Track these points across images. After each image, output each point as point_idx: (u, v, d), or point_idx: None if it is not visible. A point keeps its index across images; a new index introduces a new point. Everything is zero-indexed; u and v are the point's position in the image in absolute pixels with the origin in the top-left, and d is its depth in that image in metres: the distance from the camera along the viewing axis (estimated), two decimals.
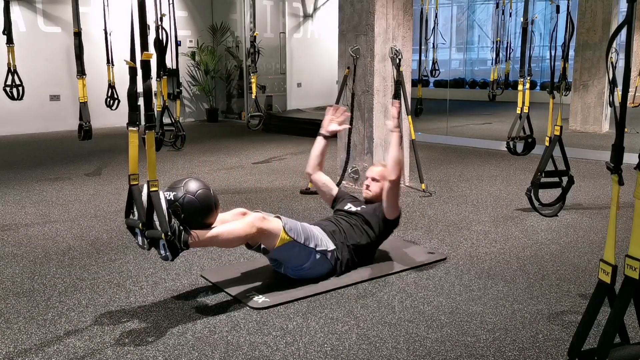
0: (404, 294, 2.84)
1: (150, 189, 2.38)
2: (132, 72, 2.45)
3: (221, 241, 2.67)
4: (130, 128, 2.46)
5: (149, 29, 5.65)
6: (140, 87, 2.43)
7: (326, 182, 3.50)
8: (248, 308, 2.66)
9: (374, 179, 3.34)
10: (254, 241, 2.79)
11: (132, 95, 2.48)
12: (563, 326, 2.50)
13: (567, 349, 1.97)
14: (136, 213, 2.48)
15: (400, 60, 5.01)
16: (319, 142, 3.43)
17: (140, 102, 2.46)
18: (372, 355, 2.26)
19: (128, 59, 2.45)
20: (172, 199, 2.59)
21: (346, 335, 2.41)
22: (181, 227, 2.45)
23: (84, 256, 3.42)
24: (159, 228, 2.38)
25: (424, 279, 3.04)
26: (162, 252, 2.39)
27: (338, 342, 2.36)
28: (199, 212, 2.63)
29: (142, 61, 2.38)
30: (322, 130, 3.41)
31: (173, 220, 2.41)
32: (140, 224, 2.43)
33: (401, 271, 3.13)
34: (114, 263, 3.29)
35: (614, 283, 1.89)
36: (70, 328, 2.48)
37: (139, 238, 2.48)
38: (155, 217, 2.39)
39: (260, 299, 2.73)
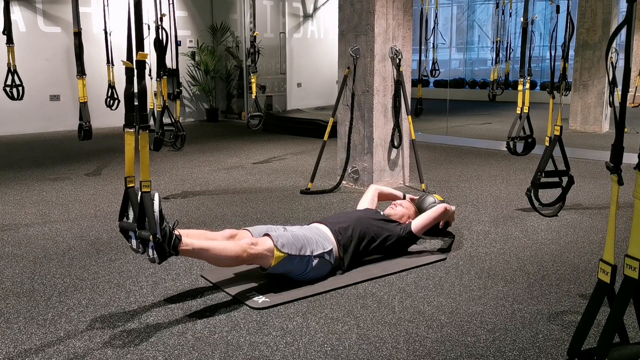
0: (404, 294, 2.84)
1: (142, 190, 2.36)
2: (129, 72, 2.42)
3: (211, 256, 2.64)
4: (126, 129, 2.43)
5: (148, 29, 5.71)
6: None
7: (389, 194, 3.90)
8: (248, 308, 2.67)
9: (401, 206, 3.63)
10: (248, 263, 2.82)
11: (130, 96, 2.47)
12: (563, 326, 2.50)
13: (567, 349, 1.97)
14: (131, 216, 2.46)
15: (400, 60, 5.02)
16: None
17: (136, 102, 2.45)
18: (372, 355, 2.26)
19: (125, 59, 2.44)
20: None
21: (346, 335, 2.41)
22: (173, 233, 2.44)
23: (84, 256, 3.42)
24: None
25: (424, 279, 3.04)
26: (150, 253, 2.38)
27: (338, 342, 2.36)
28: None
29: (137, 61, 2.36)
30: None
31: (165, 223, 2.40)
32: (136, 226, 2.42)
33: (401, 271, 3.13)
34: (114, 263, 3.29)
35: (613, 283, 1.89)
36: (70, 328, 2.48)
37: (133, 241, 2.46)
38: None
39: (260, 299, 2.73)
